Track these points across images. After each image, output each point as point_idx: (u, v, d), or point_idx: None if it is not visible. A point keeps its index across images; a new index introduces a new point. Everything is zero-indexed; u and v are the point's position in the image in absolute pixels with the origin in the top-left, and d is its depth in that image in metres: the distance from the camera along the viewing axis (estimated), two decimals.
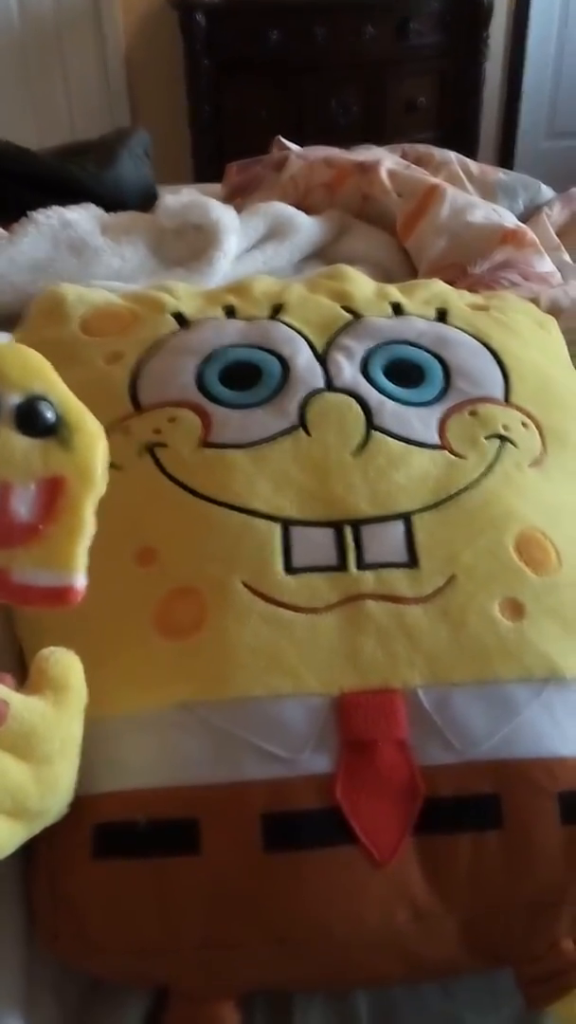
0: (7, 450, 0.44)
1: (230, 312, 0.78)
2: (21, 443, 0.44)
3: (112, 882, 0.54)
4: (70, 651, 0.53)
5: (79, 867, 0.54)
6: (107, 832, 0.54)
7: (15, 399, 0.45)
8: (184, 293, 0.82)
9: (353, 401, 0.69)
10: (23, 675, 0.52)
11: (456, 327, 0.78)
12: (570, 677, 0.58)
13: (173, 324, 0.76)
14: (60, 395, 0.46)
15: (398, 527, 0.63)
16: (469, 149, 2.88)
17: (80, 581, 0.45)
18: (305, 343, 0.74)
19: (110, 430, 0.67)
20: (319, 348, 0.74)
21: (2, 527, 0.43)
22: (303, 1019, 0.59)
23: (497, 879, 0.54)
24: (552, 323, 0.86)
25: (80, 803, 0.54)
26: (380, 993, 0.60)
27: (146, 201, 1.48)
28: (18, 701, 0.48)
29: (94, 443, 0.46)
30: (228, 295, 0.81)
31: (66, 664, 0.52)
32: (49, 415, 0.45)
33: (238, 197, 1.48)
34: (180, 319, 0.77)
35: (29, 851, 0.56)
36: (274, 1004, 0.60)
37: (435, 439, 0.68)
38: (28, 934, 0.57)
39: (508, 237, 1.20)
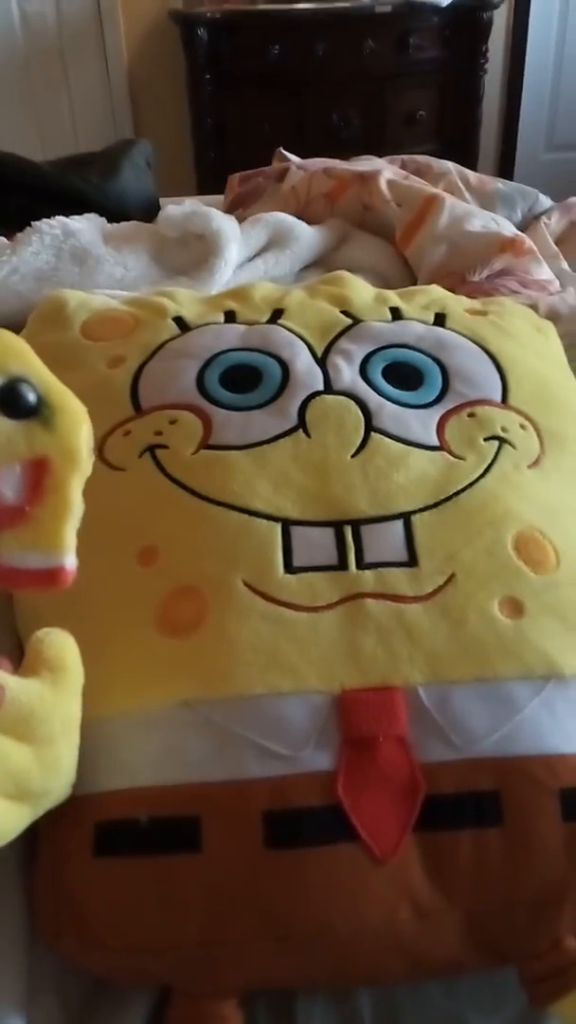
0: None
1: (230, 317, 0.79)
2: (4, 425, 0.44)
3: (114, 880, 0.54)
4: (64, 632, 0.53)
5: (81, 865, 0.54)
6: (108, 830, 0.54)
7: None
8: (185, 298, 0.83)
9: (352, 403, 0.69)
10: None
11: (454, 331, 0.79)
12: (570, 675, 0.58)
13: (174, 328, 0.77)
14: (40, 376, 0.46)
15: (397, 527, 0.63)
16: (469, 162, 2.89)
17: (70, 561, 0.45)
18: (305, 347, 0.75)
19: (111, 432, 0.69)
20: (318, 352, 0.74)
21: None
22: (306, 1018, 0.59)
23: (498, 876, 0.54)
24: (550, 327, 0.87)
25: (81, 801, 0.54)
26: (383, 992, 0.60)
27: (149, 211, 1.49)
28: (15, 684, 0.48)
29: (77, 423, 0.46)
30: (228, 300, 0.82)
31: (61, 645, 0.53)
32: (31, 396, 0.45)
33: (240, 207, 1.48)
34: (181, 323, 0.78)
35: (31, 849, 0.57)
36: (276, 1003, 0.60)
37: (434, 440, 0.69)
38: (30, 933, 0.57)
39: (507, 245, 1.21)
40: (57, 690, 0.50)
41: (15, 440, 0.44)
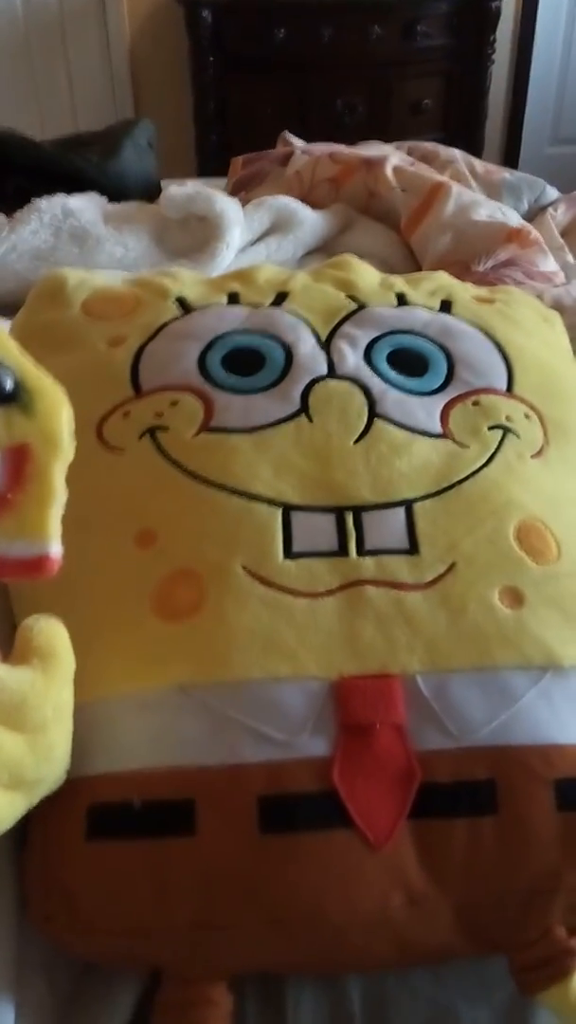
0: None
1: (234, 299, 0.78)
2: None
3: (106, 864, 0.53)
4: (53, 618, 0.53)
5: (73, 849, 0.54)
6: (101, 813, 0.54)
7: None
8: (188, 279, 0.82)
9: (356, 388, 0.69)
10: None
11: (460, 318, 0.78)
12: (568, 666, 0.58)
13: (176, 309, 0.76)
14: (16, 361, 0.45)
15: (399, 514, 0.63)
16: (474, 152, 2.87)
17: (55, 549, 0.44)
18: (309, 330, 0.74)
19: (111, 413, 0.68)
20: (323, 336, 0.74)
21: None
22: (295, 1004, 0.59)
23: (492, 865, 0.54)
24: (556, 317, 0.86)
25: (74, 784, 0.54)
26: (372, 978, 0.60)
27: (149, 192, 1.48)
28: (5, 673, 0.48)
29: (57, 408, 0.45)
30: (232, 282, 0.81)
31: (50, 632, 0.52)
32: (7, 382, 0.44)
33: (243, 191, 1.47)
34: (183, 304, 0.77)
35: (22, 833, 0.56)
36: (265, 988, 0.60)
37: (437, 428, 0.68)
38: (19, 916, 0.57)
39: (512, 236, 1.21)
40: (48, 677, 0.50)
41: None
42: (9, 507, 0.43)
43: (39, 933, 0.56)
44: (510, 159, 3.37)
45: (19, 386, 0.44)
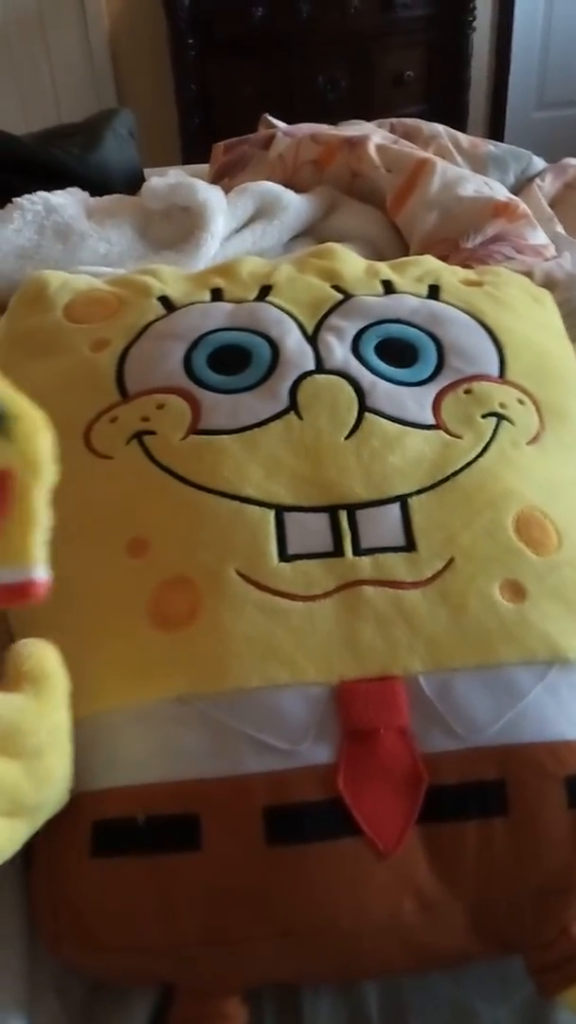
0: None
1: (217, 295, 0.77)
2: None
3: (113, 880, 0.53)
4: (41, 641, 0.52)
5: (78, 866, 0.53)
6: (106, 830, 0.53)
7: None
8: (170, 276, 0.80)
9: (345, 382, 0.67)
10: None
11: (449, 304, 0.76)
12: (574, 658, 0.57)
13: (159, 309, 0.75)
14: None
15: (394, 510, 0.61)
16: (459, 121, 2.85)
17: (40, 574, 0.43)
18: (295, 324, 0.72)
19: (97, 419, 0.67)
20: (309, 329, 0.72)
21: None
22: (312, 1011, 0.59)
23: (504, 866, 0.53)
24: (547, 297, 0.85)
25: (78, 800, 0.53)
26: (389, 983, 0.60)
27: (132, 183, 1.46)
28: None
29: (37, 431, 0.44)
30: (215, 277, 0.80)
31: (40, 655, 0.51)
32: None
33: (226, 177, 1.45)
34: (166, 303, 0.76)
35: (28, 852, 0.55)
36: (282, 999, 0.59)
37: (430, 419, 0.67)
38: (29, 936, 0.56)
39: (500, 210, 1.18)
40: (41, 701, 0.49)
41: None
42: None
43: (49, 952, 0.56)
44: (496, 126, 3.33)
45: None
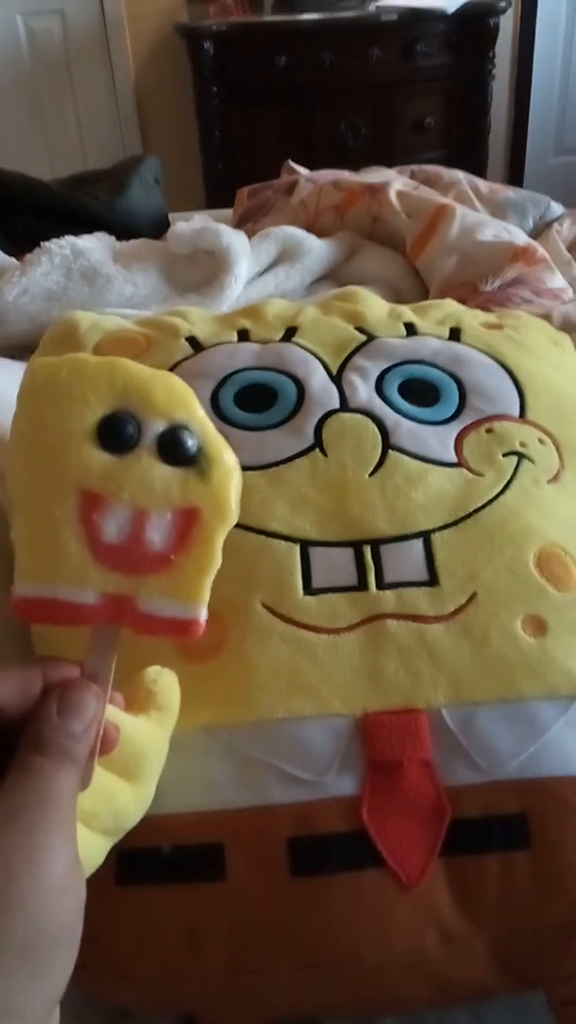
0: (148, 477, 0.43)
1: (244, 335, 0.79)
2: (162, 472, 0.43)
3: (137, 910, 0.53)
4: (171, 672, 0.54)
5: (103, 895, 0.53)
6: (131, 858, 0.54)
7: (159, 426, 0.43)
8: (198, 318, 0.82)
9: (369, 421, 0.69)
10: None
11: (470, 346, 0.78)
12: None
13: (187, 348, 0.77)
14: (201, 425, 0.45)
15: (417, 546, 0.62)
16: (478, 168, 2.89)
17: (203, 615, 0.44)
18: (320, 364, 0.74)
19: None
20: (333, 369, 0.74)
21: (135, 554, 0.42)
22: None
23: (527, 900, 0.53)
24: (566, 340, 0.86)
25: None
26: (408, 1016, 0.60)
27: (158, 228, 1.49)
28: (129, 724, 0.48)
29: (230, 476, 0.45)
30: (241, 318, 0.82)
31: (170, 686, 0.53)
32: (191, 444, 0.44)
33: (249, 221, 1.49)
34: (194, 343, 0.77)
35: None
36: None
37: (452, 457, 0.68)
38: None
39: (519, 254, 1.21)
40: (163, 732, 0.51)
41: (171, 487, 0.43)
42: (170, 568, 0.43)
43: (72, 981, 0.56)
44: (515, 172, 3.38)
45: (200, 450, 0.44)
